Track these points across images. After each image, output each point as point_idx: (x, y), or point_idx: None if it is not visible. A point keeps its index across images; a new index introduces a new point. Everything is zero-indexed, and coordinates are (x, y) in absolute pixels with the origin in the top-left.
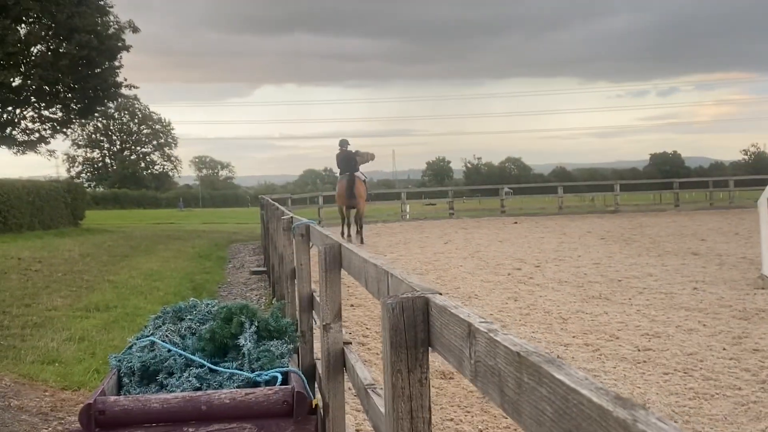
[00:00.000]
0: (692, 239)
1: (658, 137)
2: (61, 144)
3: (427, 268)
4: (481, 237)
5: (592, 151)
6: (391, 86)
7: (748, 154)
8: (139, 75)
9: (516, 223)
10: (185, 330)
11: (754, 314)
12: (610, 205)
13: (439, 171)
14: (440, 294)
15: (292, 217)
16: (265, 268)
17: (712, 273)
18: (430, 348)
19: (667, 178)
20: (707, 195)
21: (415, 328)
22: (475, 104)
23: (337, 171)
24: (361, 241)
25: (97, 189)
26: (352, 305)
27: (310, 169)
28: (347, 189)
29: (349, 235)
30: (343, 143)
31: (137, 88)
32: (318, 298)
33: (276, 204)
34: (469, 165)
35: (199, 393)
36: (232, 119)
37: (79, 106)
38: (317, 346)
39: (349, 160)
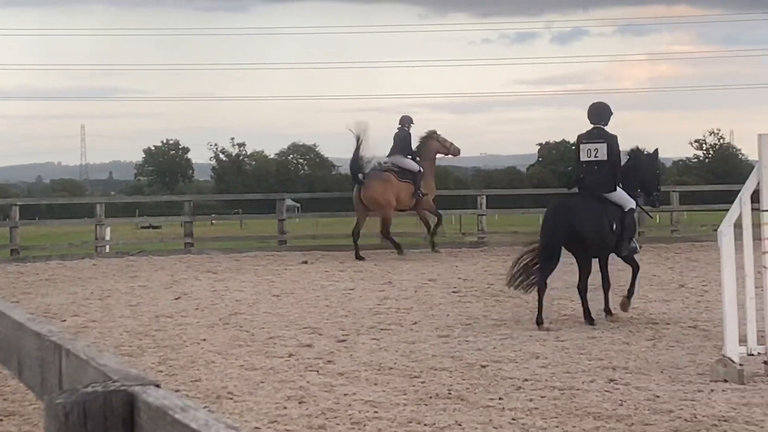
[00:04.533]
0: (610, 294)
1: (553, 116)
2: None
3: (143, 344)
4: (244, 287)
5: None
6: (82, 8)
7: (704, 147)
8: None
9: (306, 262)
10: None
11: (711, 426)
12: (470, 233)
13: (167, 165)
14: (157, 386)
15: None
16: None
17: (641, 353)
18: None
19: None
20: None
21: None
22: (234, 46)
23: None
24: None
25: None
26: None
27: None
28: (356, 189)
29: (360, 257)
30: (404, 121)
31: None
32: None
33: None
34: (222, 156)
35: None
36: None
37: None
38: None
39: (400, 142)
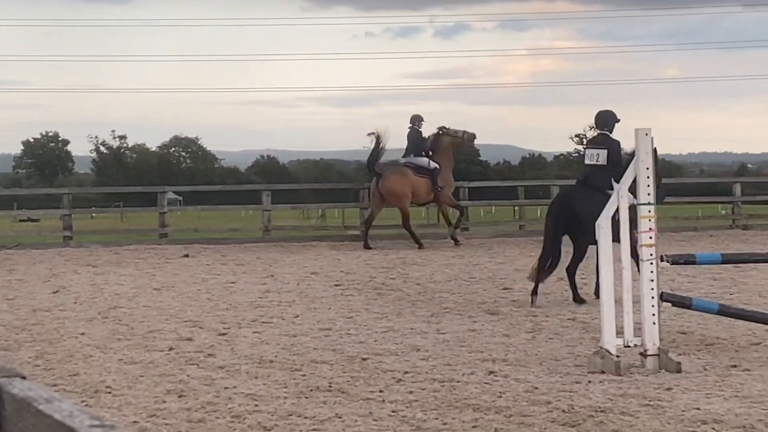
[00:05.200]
0: (490, 286)
1: (437, 109)
2: None
3: (20, 339)
4: (124, 281)
5: (325, 129)
6: None
7: (584, 142)
8: None
9: (187, 255)
10: None
11: (587, 417)
12: (353, 226)
13: (47, 158)
14: (23, 378)
15: None
16: None
17: (521, 346)
18: None
19: (455, 180)
20: (515, 211)
21: None
22: (116, 37)
23: None
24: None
25: None
26: None
27: None
28: (374, 182)
29: (368, 246)
30: (414, 120)
31: None
32: None
33: None
34: (102, 149)
35: None
36: None
37: None
38: None
39: (412, 141)
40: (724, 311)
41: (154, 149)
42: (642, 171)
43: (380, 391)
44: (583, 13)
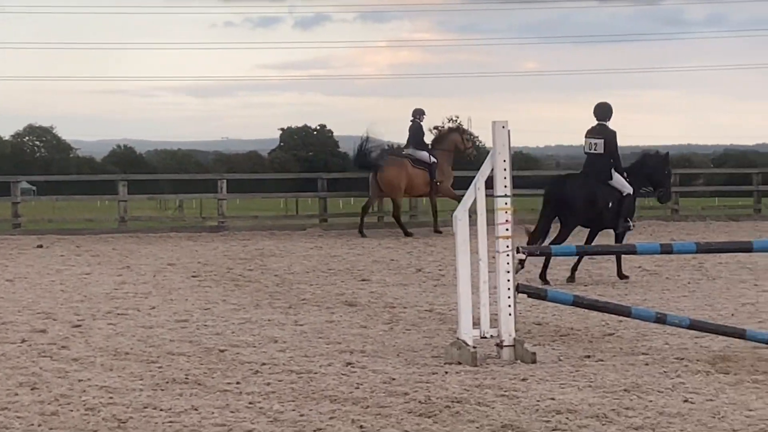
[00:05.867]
0: (348, 278)
1: (296, 100)
2: None
3: None
4: None
5: (183, 119)
6: None
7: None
8: None
9: (41, 246)
10: None
11: (444, 408)
12: (211, 217)
13: None
14: None
15: None
16: None
17: (378, 337)
18: None
19: (310, 172)
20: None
21: None
22: None
23: None
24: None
25: None
26: None
27: None
28: (372, 174)
29: (362, 234)
30: (416, 113)
31: None
32: None
33: None
34: None
35: None
36: None
37: None
38: None
39: (413, 134)
40: (578, 302)
41: (7, 138)
42: (499, 163)
43: (237, 383)
44: (443, 5)
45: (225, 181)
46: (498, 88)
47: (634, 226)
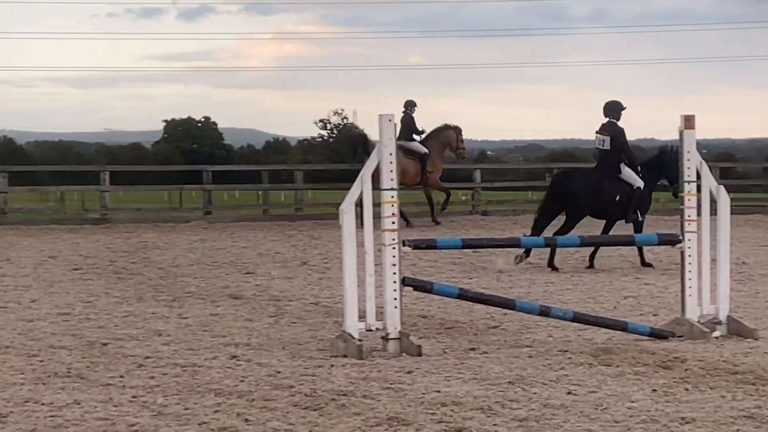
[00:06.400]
0: (232, 271)
1: (180, 92)
2: None
3: None
4: None
5: (64, 110)
6: None
7: (328, 127)
8: None
9: None
10: None
11: (329, 401)
12: (93, 209)
13: None
14: None
15: None
16: None
17: (264, 330)
18: None
19: (194, 164)
20: (259, 195)
21: None
22: None
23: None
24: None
25: None
26: None
27: None
28: None
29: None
30: (408, 105)
31: None
32: None
33: None
34: None
35: None
36: None
37: None
38: None
39: (405, 125)
40: (463, 295)
41: None
42: (385, 157)
43: (121, 377)
44: None
45: (108, 172)
46: (384, 82)
47: (643, 218)
